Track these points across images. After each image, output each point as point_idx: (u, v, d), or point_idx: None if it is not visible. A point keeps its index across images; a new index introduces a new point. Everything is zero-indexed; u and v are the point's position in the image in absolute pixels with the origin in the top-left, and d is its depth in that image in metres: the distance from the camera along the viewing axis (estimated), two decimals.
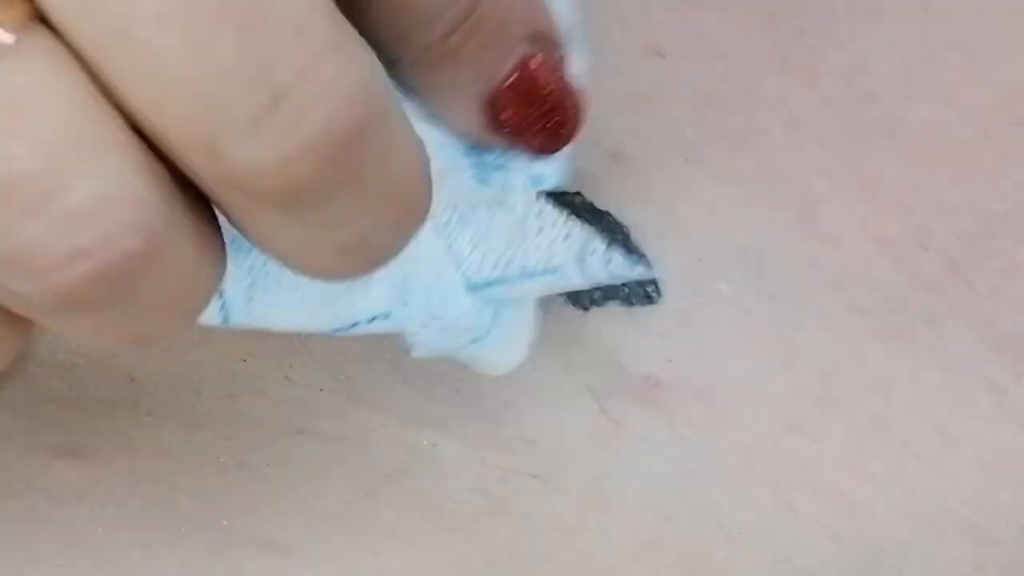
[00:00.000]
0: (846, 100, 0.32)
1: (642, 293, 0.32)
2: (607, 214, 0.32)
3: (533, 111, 0.28)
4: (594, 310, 0.32)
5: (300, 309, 0.28)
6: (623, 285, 0.32)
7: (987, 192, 0.32)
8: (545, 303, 0.32)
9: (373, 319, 0.28)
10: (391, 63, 0.26)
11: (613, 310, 0.32)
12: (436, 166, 0.25)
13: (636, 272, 0.30)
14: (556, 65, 0.27)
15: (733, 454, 0.31)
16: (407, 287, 0.28)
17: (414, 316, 0.28)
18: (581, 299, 0.32)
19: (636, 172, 0.32)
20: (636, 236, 0.32)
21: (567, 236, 0.29)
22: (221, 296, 0.28)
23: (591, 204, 0.32)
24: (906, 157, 0.32)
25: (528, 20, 0.27)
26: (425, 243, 0.28)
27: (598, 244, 0.29)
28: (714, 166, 0.32)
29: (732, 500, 0.31)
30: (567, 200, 0.32)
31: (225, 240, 0.24)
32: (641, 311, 0.32)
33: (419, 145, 0.24)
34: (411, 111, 0.27)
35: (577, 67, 0.28)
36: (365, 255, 0.24)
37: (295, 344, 0.33)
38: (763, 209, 0.32)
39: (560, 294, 0.32)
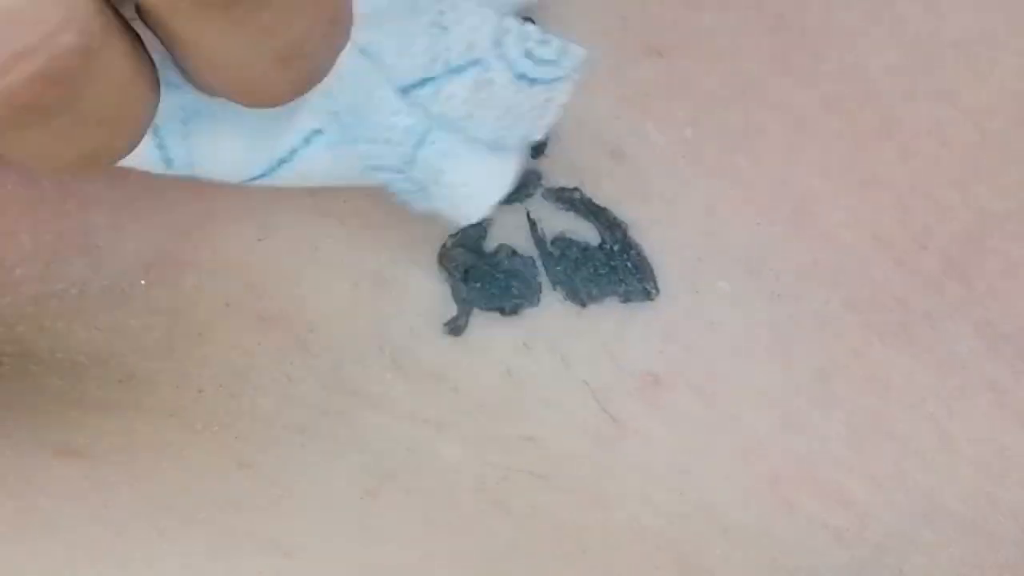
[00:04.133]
0: (845, 99, 0.32)
1: (640, 289, 0.32)
2: (606, 211, 0.32)
3: None
4: (592, 307, 0.32)
5: (238, 144, 0.29)
6: (621, 280, 0.32)
7: (986, 191, 0.32)
8: (544, 299, 0.32)
9: (308, 140, 0.29)
10: None
11: (612, 307, 0.32)
12: None
13: (559, 54, 0.29)
14: None
15: (731, 452, 0.31)
16: (335, 100, 0.29)
17: (349, 129, 0.29)
18: (579, 295, 0.32)
19: (636, 170, 0.32)
20: (635, 233, 0.32)
21: (483, 22, 0.29)
22: (158, 135, 0.29)
23: (590, 200, 0.32)
24: (905, 156, 0.32)
25: None
26: (348, 61, 0.28)
27: (512, 24, 0.29)
28: (713, 165, 0.32)
29: (730, 498, 0.31)
30: (566, 196, 0.32)
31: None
32: (640, 308, 0.32)
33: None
34: None
35: None
36: (301, 64, 0.25)
37: (297, 343, 0.33)
38: (762, 208, 0.32)
39: (557, 289, 0.32)
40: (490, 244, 0.32)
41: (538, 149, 0.32)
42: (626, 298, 0.32)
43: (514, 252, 0.32)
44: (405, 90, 0.29)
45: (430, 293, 0.32)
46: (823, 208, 0.32)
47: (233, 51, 0.25)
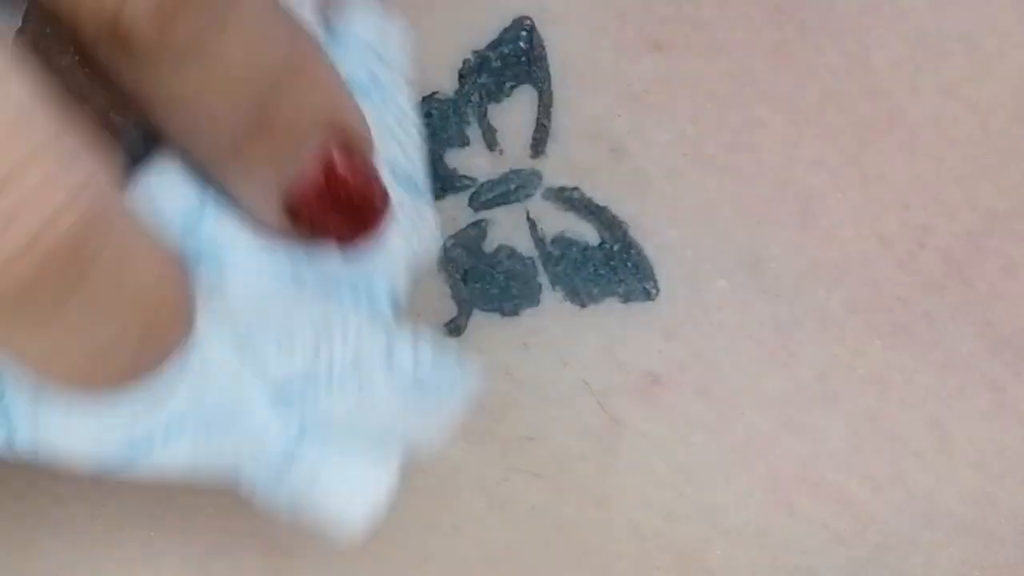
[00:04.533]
0: (847, 95, 0.32)
1: (640, 289, 0.32)
2: (606, 210, 0.32)
3: (333, 207, 0.26)
4: (592, 307, 0.32)
5: (89, 422, 0.26)
6: (621, 280, 0.32)
7: (989, 189, 0.32)
8: (543, 300, 0.32)
9: (168, 429, 0.26)
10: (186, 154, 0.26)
11: (611, 306, 0.32)
12: (244, 273, 0.25)
13: (456, 365, 0.27)
14: (360, 161, 0.26)
15: (732, 452, 0.31)
16: (202, 393, 0.26)
17: (214, 431, 0.26)
18: (579, 295, 0.32)
19: (635, 167, 0.32)
20: (635, 231, 0.32)
21: (372, 331, 0.26)
22: (2, 402, 0.26)
23: (590, 200, 0.32)
24: (907, 153, 0.32)
25: (327, 112, 0.25)
26: (219, 353, 0.26)
27: (404, 338, 0.26)
28: (713, 161, 0.32)
29: (731, 498, 0.31)
30: (566, 196, 0.32)
31: None
32: (639, 307, 0.32)
33: (167, 257, 0.24)
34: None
35: (386, 164, 0.27)
36: (115, 366, 0.24)
37: None
38: (763, 205, 0.32)
39: (557, 290, 0.32)
40: (490, 244, 0.32)
41: (537, 148, 0.32)
42: (626, 298, 0.32)
43: (513, 252, 0.32)
44: (279, 386, 0.26)
45: (429, 294, 0.32)
46: (824, 206, 0.32)
47: (36, 349, 0.23)
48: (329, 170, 0.26)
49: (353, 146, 0.26)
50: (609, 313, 0.32)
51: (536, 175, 0.32)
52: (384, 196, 0.26)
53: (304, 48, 0.25)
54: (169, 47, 0.22)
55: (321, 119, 0.25)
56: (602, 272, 0.32)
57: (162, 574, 0.32)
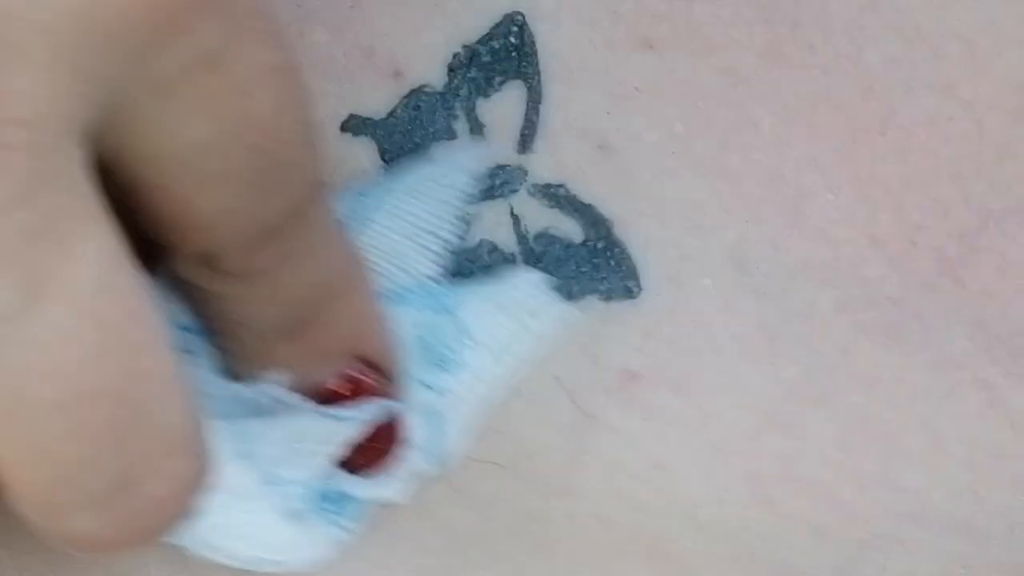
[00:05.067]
0: (840, 94, 0.32)
1: (622, 288, 0.32)
2: (591, 207, 0.32)
3: None
4: (571, 304, 0.32)
5: None
6: (603, 278, 0.32)
7: (983, 188, 0.31)
8: None
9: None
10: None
11: (591, 303, 0.32)
12: None
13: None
14: (379, 388, 0.30)
15: (709, 448, 0.31)
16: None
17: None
18: (559, 292, 0.32)
19: (622, 165, 0.32)
20: (620, 229, 0.32)
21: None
22: None
23: (575, 197, 0.32)
24: (901, 152, 0.32)
25: (352, 342, 0.29)
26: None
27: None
28: (702, 160, 0.32)
29: (707, 493, 0.31)
30: (551, 192, 0.32)
31: None
32: (620, 305, 0.32)
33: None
34: None
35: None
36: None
37: None
38: (752, 204, 0.32)
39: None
40: (472, 239, 0.32)
41: (525, 144, 0.32)
42: (608, 296, 0.32)
43: (495, 248, 0.32)
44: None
45: None
46: (815, 205, 0.32)
47: None
48: (356, 388, 0.30)
49: (368, 381, 0.30)
50: (589, 310, 0.32)
51: (522, 171, 0.32)
52: (398, 436, 0.30)
53: (350, 279, 0.29)
54: (246, 270, 0.26)
55: (346, 347, 0.29)
56: (584, 270, 0.32)
57: (162, 572, 0.32)
